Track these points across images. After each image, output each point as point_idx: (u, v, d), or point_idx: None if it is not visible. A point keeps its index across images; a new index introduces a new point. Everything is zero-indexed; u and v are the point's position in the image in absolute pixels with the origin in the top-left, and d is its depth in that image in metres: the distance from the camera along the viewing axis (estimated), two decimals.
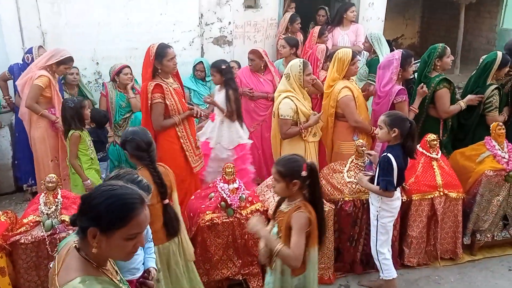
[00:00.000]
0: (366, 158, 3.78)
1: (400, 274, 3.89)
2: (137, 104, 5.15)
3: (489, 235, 4.13)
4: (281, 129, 4.05)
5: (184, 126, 3.96)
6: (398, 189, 3.38)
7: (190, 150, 3.99)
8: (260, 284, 3.62)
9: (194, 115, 4.02)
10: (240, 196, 3.53)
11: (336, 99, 4.13)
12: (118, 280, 1.63)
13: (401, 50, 4.43)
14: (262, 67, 5.08)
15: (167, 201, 2.80)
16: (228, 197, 3.50)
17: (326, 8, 6.69)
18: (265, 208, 3.57)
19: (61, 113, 4.09)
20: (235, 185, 3.57)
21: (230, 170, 3.59)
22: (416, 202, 3.88)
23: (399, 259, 3.98)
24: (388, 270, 3.46)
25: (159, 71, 3.83)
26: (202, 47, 5.95)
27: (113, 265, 1.69)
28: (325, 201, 3.66)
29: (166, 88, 3.81)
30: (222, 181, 3.61)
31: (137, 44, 5.55)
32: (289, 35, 6.39)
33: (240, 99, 4.57)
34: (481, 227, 4.11)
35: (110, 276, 1.59)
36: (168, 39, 5.68)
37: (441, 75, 4.35)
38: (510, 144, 4.15)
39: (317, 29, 5.81)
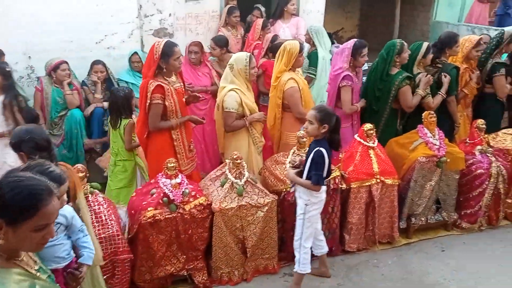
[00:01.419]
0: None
1: (341, 260, 4.02)
2: (73, 101, 4.95)
3: (423, 219, 4.35)
4: (225, 122, 4.05)
5: (180, 129, 3.86)
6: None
7: (182, 153, 3.91)
8: (205, 279, 3.62)
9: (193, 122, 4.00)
10: (183, 191, 3.49)
11: (282, 90, 4.17)
12: (36, 270, 1.61)
13: (356, 40, 4.56)
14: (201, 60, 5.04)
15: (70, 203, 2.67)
16: (170, 192, 3.46)
17: (262, 9, 6.63)
18: (208, 202, 3.56)
19: (110, 101, 4.31)
20: (178, 180, 3.53)
21: (172, 165, 3.54)
22: (355, 190, 4.00)
23: (340, 245, 4.11)
24: (305, 264, 3.48)
25: (164, 70, 3.68)
26: (141, 40, 5.79)
27: (32, 255, 1.66)
28: (268, 192, 3.73)
29: (168, 88, 3.68)
30: (164, 176, 3.55)
31: (72, 37, 5.31)
32: (229, 27, 6.37)
33: None
34: (415, 211, 4.31)
35: (25, 266, 1.56)
36: (105, 31, 5.49)
37: (403, 71, 4.47)
38: (441, 131, 4.36)
39: (260, 21, 5.83)
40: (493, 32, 6.33)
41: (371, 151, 4.12)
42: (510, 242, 4.33)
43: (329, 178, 3.52)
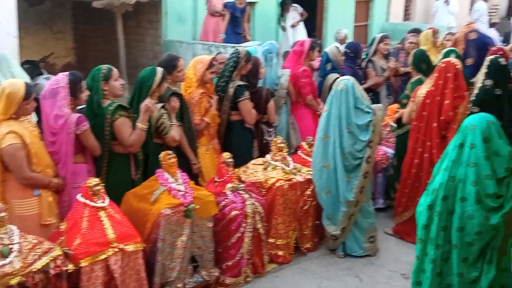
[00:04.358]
0: None
1: None
2: None
3: (180, 285, 4.34)
4: None
5: None
6: None
7: None
8: None
9: None
10: None
11: None
12: None
13: (74, 73, 4.35)
14: None
15: None
16: None
17: None
18: None
19: None
20: None
21: None
22: (87, 269, 3.73)
23: None
24: None
25: None
26: None
27: None
28: None
29: None
30: None
31: None
32: None
33: None
34: (169, 278, 4.28)
35: None
36: None
37: (114, 102, 4.41)
38: (184, 173, 4.50)
39: None
40: (231, 50, 7.04)
41: (101, 213, 3.94)
42: None
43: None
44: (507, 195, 3.31)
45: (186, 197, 4.32)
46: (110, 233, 3.88)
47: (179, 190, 4.34)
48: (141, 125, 4.41)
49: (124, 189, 4.46)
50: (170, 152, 4.46)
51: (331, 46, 7.13)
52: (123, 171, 4.57)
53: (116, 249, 3.85)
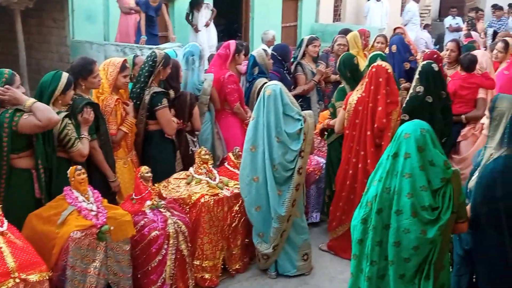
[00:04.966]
0: None
1: None
2: None
3: None
4: None
5: None
6: None
7: None
8: None
9: None
10: None
11: None
12: None
13: None
14: None
15: None
16: None
17: None
18: None
19: None
20: None
21: None
22: None
23: None
24: None
25: None
26: None
27: None
28: None
29: None
30: None
31: None
32: None
33: None
34: None
35: None
36: None
37: (10, 109, 4.22)
38: (96, 191, 4.41)
39: None
40: (148, 51, 6.97)
41: None
42: None
43: None
44: (443, 206, 3.45)
45: (98, 217, 4.24)
46: (10, 262, 3.74)
47: (91, 210, 4.26)
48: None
49: (26, 210, 4.31)
50: (79, 167, 4.35)
51: (258, 49, 7.23)
52: (25, 189, 4.39)
53: (17, 280, 3.72)
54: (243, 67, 7.02)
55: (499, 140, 3.70)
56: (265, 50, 7.13)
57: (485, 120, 3.97)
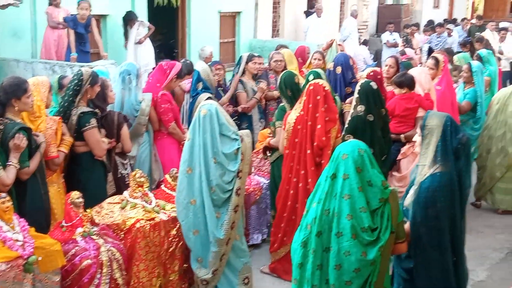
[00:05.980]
0: None
1: None
2: None
3: None
4: None
5: None
6: None
7: None
8: None
9: None
10: None
11: None
12: None
13: None
14: None
15: None
16: None
17: None
18: None
19: None
20: None
21: None
22: None
23: None
24: None
25: None
26: None
27: None
28: None
29: None
30: None
31: None
32: None
33: None
34: None
35: None
36: None
37: None
38: (22, 219, 4.25)
39: None
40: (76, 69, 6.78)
41: None
42: None
43: None
44: (382, 226, 3.49)
45: (25, 247, 4.10)
46: None
47: (17, 240, 4.11)
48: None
49: None
50: (3, 195, 4.17)
51: (203, 64, 7.23)
52: None
53: None
54: (187, 85, 6.97)
55: (433, 157, 3.78)
56: (209, 66, 7.15)
57: (417, 138, 4.05)
